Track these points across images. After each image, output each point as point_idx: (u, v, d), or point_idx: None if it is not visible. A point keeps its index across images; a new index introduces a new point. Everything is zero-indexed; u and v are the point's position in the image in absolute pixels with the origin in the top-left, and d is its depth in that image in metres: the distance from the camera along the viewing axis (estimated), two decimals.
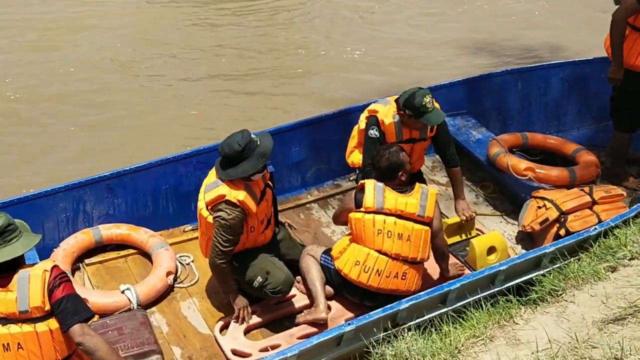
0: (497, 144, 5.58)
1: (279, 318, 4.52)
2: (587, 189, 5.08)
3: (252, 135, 4.27)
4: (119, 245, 5.07)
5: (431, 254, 4.46)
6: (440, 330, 3.93)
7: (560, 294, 3.98)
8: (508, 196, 5.62)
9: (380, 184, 4.34)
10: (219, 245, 4.22)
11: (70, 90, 8.27)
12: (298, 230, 5.34)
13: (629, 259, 4.14)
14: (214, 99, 8.16)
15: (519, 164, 5.34)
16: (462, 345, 3.72)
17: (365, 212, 4.28)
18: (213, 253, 4.25)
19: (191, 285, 4.83)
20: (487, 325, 3.86)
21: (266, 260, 4.42)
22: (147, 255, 4.98)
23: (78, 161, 6.97)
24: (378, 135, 4.83)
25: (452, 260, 4.67)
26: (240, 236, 4.30)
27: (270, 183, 4.61)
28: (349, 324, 3.79)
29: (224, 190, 4.20)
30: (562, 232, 4.84)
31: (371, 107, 4.95)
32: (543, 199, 5.05)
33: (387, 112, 4.85)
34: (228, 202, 4.18)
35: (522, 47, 9.59)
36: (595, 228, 4.43)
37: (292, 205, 5.59)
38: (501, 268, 4.17)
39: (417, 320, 4.03)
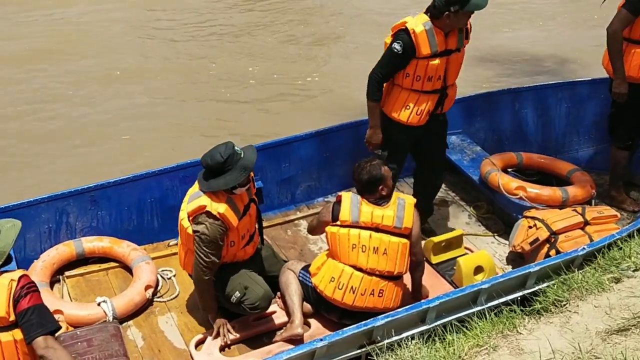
0: (489, 163, 5.47)
1: (258, 334, 4.41)
2: (579, 209, 4.96)
3: (236, 148, 4.19)
4: (101, 258, 5.01)
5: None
6: (444, 339, 3.89)
7: (564, 305, 3.94)
8: (500, 216, 5.50)
9: (357, 197, 4.24)
10: (201, 260, 4.13)
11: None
12: (284, 246, 5.25)
13: (633, 270, 4.11)
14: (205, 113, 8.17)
15: (510, 183, 5.22)
16: (466, 355, 3.69)
17: (341, 225, 4.18)
18: (197, 268, 4.15)
19: (171, 299, 4.75)
20: (490, 334, 3.83)
21: (245, 275, 4.33)
22: (128, 269, 4.91)
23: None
24: (401, 52, 4.60)
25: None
26: (222, 248, 4.21)
27: (255, 198, 4.52)
28: (321, 340, 3.67)
29: (205, 201, 4.12)
30: (553, 252, 4.71)
31: (399, 22, 4.71)
32: (534, 218, 4.93)
33: (416, 21, 4.62)
34: (208, 214, 4.10)
35: (530, 60, 9.56)
36: (584, 248, 4.30)
37: (280, 222, 5.51)
38: (483, 286, 4.05)
39: (394, 338, 3.90)
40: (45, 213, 4.93)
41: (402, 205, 4.23)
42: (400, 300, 4.26)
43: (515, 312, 3.99)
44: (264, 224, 5.41)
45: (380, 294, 4.16)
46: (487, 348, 3.69)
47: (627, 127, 5.43)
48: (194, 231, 4.14)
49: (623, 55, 5.16)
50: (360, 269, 4.14)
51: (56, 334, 3.83)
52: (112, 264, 4.99)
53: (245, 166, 4.14)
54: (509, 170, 5.69)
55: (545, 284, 4.13)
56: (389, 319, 3.82)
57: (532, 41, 9.89)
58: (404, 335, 3.94)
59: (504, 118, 6.20)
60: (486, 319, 3.97)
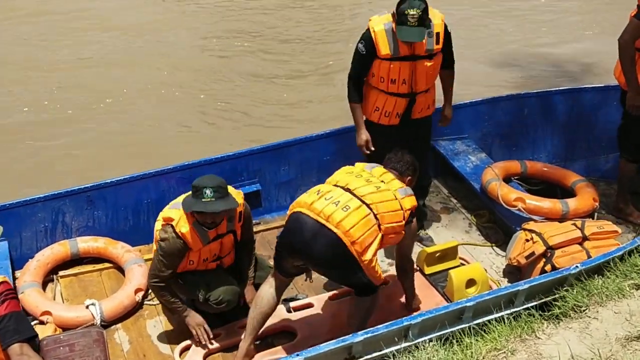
0: (491, 171, 5.36)
1: None
2: (579, 223, 4.83)
3: (221, 189, 4.03)
4: (96, 259, 5.03)
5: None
6: (462, 342, 3.84)
7: (584, 310, 3.88)
8: (501, 226, 5.39)
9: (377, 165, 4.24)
10: (155, 267, 4.16)
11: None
12: None
13: None
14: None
15: (510, 194, 5.11)
16: (484, 358, 3.65)
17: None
18: (150, 273, 4.20)
19: (160, 303, 4.73)
20: (508, 338, 3.77)
21: (208, 274, 4.33)
22: (122, 270, 4.92)
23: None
24: (364, 52, 4.58)
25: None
26: (179, 263, 4.21)
27: (237, 231, 4.36)
28: (297, 355, 3.64)
29: (175, 215, 4.12)
30: (548, 267, 4.60)
31: None
32: (531, 231, 4.82)
33: (379, 20, 4.56)
34: (173, 229, 4.09)
35: (552, 61, 9.39)
36: (577, 266, 4.18)
37: (277, 225, 5.46)
38: (468, 304, 3.96)
39: (375, 354, 3.85)
40: (41, 212, 4.97)
41: (410, 192, 4.11)
42: (361, 239, 3.82)
43: (534, 317, 3.95)
44: (261, 227, 5.43)
45: (345, 209, 3.82)
46: (505, 352, 3.64)
47: (637, 139, 5.27)
48: (158, 237, 4.17)
49: (636, 66, 5.00)
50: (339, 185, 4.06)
51: (41, 337, 3.92)
52: (107, 265, 5.02)
53: (205, 205, 3.98)
54: (513, 179, 5.57)
55: (520, 308, 4.03)
56: (368, 335, 3.76)
57: (571, 47, 9.76)
58: (386, 351, 3.88)
59: (512, 124, 6.07)
60: (504, 322, 3.92)
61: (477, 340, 3.81)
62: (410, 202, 4.05)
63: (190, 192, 4.16)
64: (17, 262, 4.91)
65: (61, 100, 8.28)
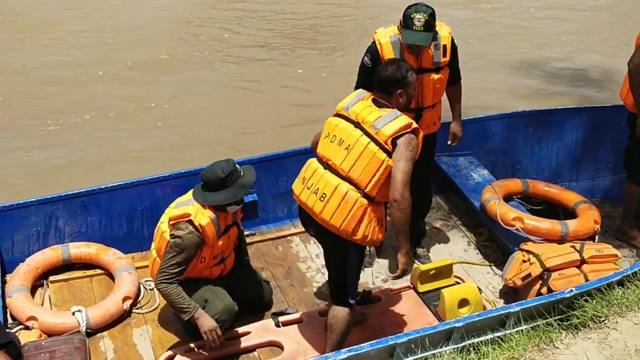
0: (491, 189, 5.26)
1: (230, 354, 4.33)
2: (578, 245, 4.72)
3: (237, 166, 4.22)
4: (88, 265, 4.99)
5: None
6: (479, 350, 3.80)
7: (603, 320, 3.83)
8: (500, 246, 5.29)
9: (364, 92, 3.95)
10: (167, 267, 4.08)
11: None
12: (272, 263, 5.16)
13: None
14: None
15: (508, 213, 5.00)
16: None
17: (334, 114, 3.94)
18: (159, 275, 4.09)
19: (149, 311, 4.70)
20: (526, 347, 3.73)
21: (207, 289, 4.28)
22: (113, 277, 4.87)
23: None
24: (370, 65, 4.47)
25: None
26: (192, 260, 4.16)
27: (239, 222, 4.46)
28: None
29: (192, 210, 4.13)
30: (544, 290, 4.49)
31: None
32: (529, 252, 4.72)
33: (384, 33, 4.50)
34: (190, 223, 4.09)
35: (573, 69, 9.30)
36: (571, 290, 4.07)
37: (272, 237, 5.41)
38: (456, 325, 3.86)
39: None
40: (34, 216, 4.94)
41: (396, 115, 3.76)
42: (343, 224, 3.73)
43: (552, 326, 3.88)
44: (257, 238, 5.38)
45: (323, 199, 3.76)
46: None
47: None
48: (172, 236, 4.12)
49: None
50: (320, 159, 3.91)
51: (22, 343, 3.89)
52: (98, 271, 4.97)
53: (244, 185, 4.20)
54: (514, 198, 5.46)
55: (512, 330, 3.92)
56: (352, 352, 3.67)
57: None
58: None
59: (516, 141, 5.97)
60: (522, 331, 3.86)
61: (494, 348, 3.78)
62: (390, 128, 3.68)
63: (192, 191, 4.24)
64: (9, 266, 4.89)
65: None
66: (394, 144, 3.67)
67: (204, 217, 4.10)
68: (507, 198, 5.38)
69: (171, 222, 4.18)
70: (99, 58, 9.36)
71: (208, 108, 8.32)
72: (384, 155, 3.67)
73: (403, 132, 3.69)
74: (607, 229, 5.56)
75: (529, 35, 10.48)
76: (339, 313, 4.03)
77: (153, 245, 4.40)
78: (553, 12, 11.31)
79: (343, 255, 3.91)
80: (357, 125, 3.79)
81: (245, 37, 10.13)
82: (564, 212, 5.39)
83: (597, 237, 5.04)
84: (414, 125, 3.76)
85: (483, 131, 5.91)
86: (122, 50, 9.58)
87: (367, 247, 4.13)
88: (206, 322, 4.11)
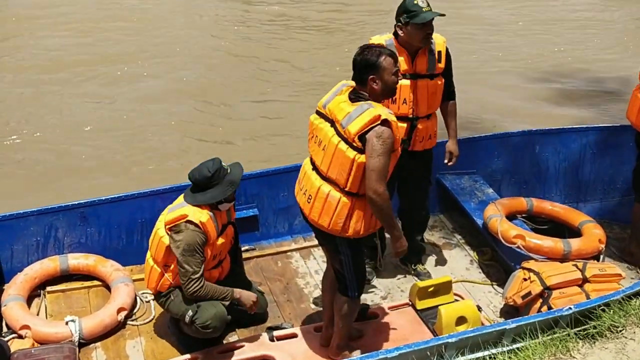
0: (493, 207, 5.18)
1: None
2: (580, 264, 4.62)
3: (223, 164, 4.27)
4: (86, 276, 4.98)
5: None
6: (494, 359, 3.76)
7: (620, 330, 3.79)
8: (502, 264, 5.19)
9: (344, 85, 3.80)
10: (190, 273, 4.09)
11: None
12: (270, 278, 5.11)
13: None
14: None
15: (509, 230, 4.92)
16: None
17: (316, 110, 3.88)
18: (188, 285, 4.11)
19: (144, 323, 4.67)
20: (542, 356, 3.70)
21: None
22: (110, 289, 4.86)
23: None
24: None
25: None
26: (205, 257, 4.17)
27: (234, 222, 4.48)
28: None
29: (188, 210, 4.16)
30: (545, 309, 4.39)
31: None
32: (530, 270, 4.63)
33: (380, 37, 4.49)
34: (189, 222, 4.11)
35: (592, 78, 9.23)
36: (570, 308, 3.98)
37: (272, 252, 5.36)
38: (450, 340, 3.78)
39: None
40: (34, 226, 4.94)
41: (362, 110, 3.57)
42: (331, 223, 3.73)
43: (569, 335, 3.81)
44: (256, 253, 5.34)
45: (309, 200, 3.80)
46: None
47: None
48: (173, 240, 4.11)
49: None
50: (310, 159, 3.89)
51: (12, 350, 3.87)
52: (95, 283, 4.96)
53: (232, 181, 4.24)
54: (518, 216, 5.38)
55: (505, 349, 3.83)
56: None
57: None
58: None
59: (522, 161, 5.89)
60: (538, 339, 3.80)
61: (509, 357, 3.73)
62: (356, 125, 3.54)
63: (183, 195, 4.28)
64: (7, 275, 4.89)
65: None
66: (362, 140, 3.54)
67: (202, 214, 4.14)
68: (511, 216, 5.30)
69: (168, 227, 4.16)
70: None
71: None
72: (354, 153, 3.57)
73: (370, 126, 3.52)
74: (616, 250, 5.45)
75: (555, 36, 10.51)
76: (339, 300, 4.08)
77: (149, 254, 4.38)
78: (576, 23, 11.33)
79: (335, 251, 3.92)
80: (332, 123, 3.72)
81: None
82: (570, 232, 5.29)
83: (601, 256, 4.93)
84: (384, 116, 3.54)
85: (488, 150, 5.84)
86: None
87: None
88: (248, 298, 4.33)
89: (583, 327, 3.87)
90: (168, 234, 4.18)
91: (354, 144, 3.57)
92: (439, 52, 4.50)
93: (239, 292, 4.29)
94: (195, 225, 4.10)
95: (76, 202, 5.03)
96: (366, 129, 3.53)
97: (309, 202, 3.85)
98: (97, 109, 8.61)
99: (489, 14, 11.72)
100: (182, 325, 4.30)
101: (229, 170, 4.26)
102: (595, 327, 3.77)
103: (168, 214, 4.23)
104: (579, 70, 9.74)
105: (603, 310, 3.97)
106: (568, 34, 10.96)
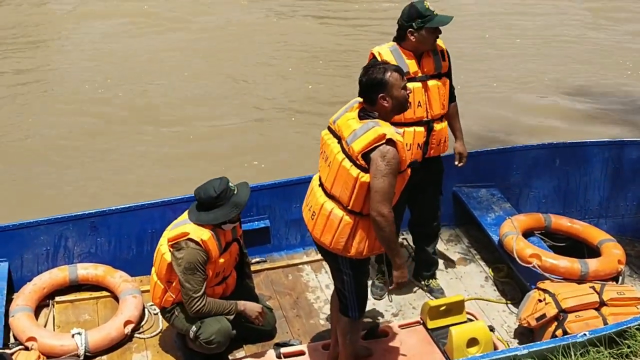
0: (510, 224, 5.06)
1: None
2: (598, 286, 4.48)
3: (230, 184, 4.22)
4: (95, 286, 4.95)
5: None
6: None
7: None
8: (518, 283, 5.06)
9: (356, 101, 3.72)
10: (192, 291, 4.09)
11: None
12: (280, 292, 5.04)
13: None
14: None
15: (525, 249, 4.79)
16: None
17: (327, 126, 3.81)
18: (191, 304, 4.10)
19: (151, 337, 4.63)
20: None
21: None
22: (118, 300, 4.82)
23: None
24: None
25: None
26: (207, 276, 4.14)
27: (240, 240, 4.43)
28: None
29: (189, 228, 4.14)
30: (560, 332, 4.27)
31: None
32: (545, 291, 4.50)
33: (382, 46, 4.45)
34: (190, 240, 4.08)
35: (624, 94, 9.14)
36: (585, 334, 3.86)
37: (283, 265, 5.29)
38: None
39: None
40: (44, 235, 4.93)
41: (367, 128, 3.49)
42: (333, 242, 3.67)
43: (602, 354, 3.73)
44: (267, 265, 5.27)
45: (313, 217, 3.76)
46: None
47: None
48: (175, 258, 4.11)
49: None
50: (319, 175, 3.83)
51: None
52: (104, 294, 4.93)
53: (237, 203, 4.18)
54: (535, 233, 5.25)
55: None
56: None
57: None
58: None
59: (542, 174, 5.74)
60: (572, 358, 3.73)
61: None
62: (359, 143, 3.46)
63: (188, 211, 4.26)
64: (17, 284, 4.88)
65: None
66: (366, 159, 3.46)
67: (204, 232, 4.11)
68: (528, 233, 5.17)
69: (170, 243, 4.16)
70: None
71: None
72: (357, 171, 3.49)
73: (374, 145, 3.43)
74: (638, 269, 5.30)
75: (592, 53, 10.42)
76: (341, 320, 4.00)
77: (153, 270, 4.35)
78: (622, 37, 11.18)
79: (338, 270, 3.86)
80: (339, 140, 3.65)
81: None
82: (589, 250, 5.14)
83: (620, 277, 4.78)
84: (389, 135, 3.45)
85: (507, 163, 5.70)
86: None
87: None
88: (250, 308, 4.28)
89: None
90: (170, 250, 4.15)
91: (358, 162, 3.49)
92: (442, 52, 4.49)
93: (243, 305, 4.27)
94: (196, 243, 4.07)
95: (86, 212, 5.01)
96: (370, 148, 3.45)
97: (312, 219, 3.80)
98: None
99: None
100: (187, 340, 4.26)
101: (235, 191, 4.20)
102: (629, 347, 3.69)
103: (170, 231, 4.21)
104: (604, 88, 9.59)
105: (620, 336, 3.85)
106: (590, 53, 10.77)
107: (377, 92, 3.55)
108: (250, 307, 4.29)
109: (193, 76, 9.52)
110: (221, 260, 4.20)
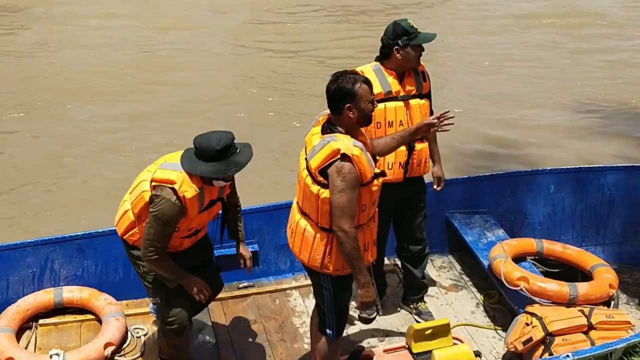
0: (500, 248, 4.97)
1: None
2: (587, 310, 4.36)
3: (235, 140, 3.85)
4: (80, 309, 4.92)
5: None
6: None
7: None
8: (509, 308, 4.95)
9: (321, 114, 3.70)
10: (154, 240, 3.80)
11: None
12: (266, 316, 4.97)
13: None
14: None
15: (513, 272, 4.69)
16: None
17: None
18: (148, 250, 3.82)
19: (131, 359, 4.56)
20: None
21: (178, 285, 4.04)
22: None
23: None
24: None
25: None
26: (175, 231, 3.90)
27: (225, 199, 4.14)
28: None
29: (178, 178, 3.77)
30: (546, 356, 4.15)
31: None
32: (533, 315, 4.39)
33: (366, 66, 4.42)
34: (174, 191, 3.75)
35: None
36: (567, 355, 3.74)
37: (271, 290, 5.23)
38: None
39: None
40: (30, 257, 4.91)
41: (324, 143, 3.47)
42: (310, 259, 3.68)
43: None
44: (254, 290, 5.22)
45: (292, 234, 3.80)
46: None
47: None
48: (151, 201, 3.81)
49: None
50: None
51: None
52: (88, 316, 4.89)
53: (237, 163, 3.81)
54: (527, 258, 5.15)
55: None
56: None
57: None
58: None
59: (537, 201, 5.66)
60: None
61: None
62: (316, 159, 3.47)
63: (181, 156, 3.87)
64: (2, 306, 4.84)
65: None
66: (324, 174, 3.46)
67: (189, 189, 3.78)
68: (520, 259, 5.07)
69: (153, 184, 3.86)
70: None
71: None
72: (317, 187, 3.51)
73: (330, 161, 3.42)
74: (634, 297, 5.17)
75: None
76: (317, 338, 3.96)
77: (127, 196, 4.12)
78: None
79: (319, 285, 3.82)
80: (306, 156, 3.66)
81: None
82: (583, 276, 5.03)
83: (613, 302, 4.66)
84: (344, 150, 3.41)
85: (501, 188, 5.63)
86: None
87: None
88: (194, 283, 4.00)
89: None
90: (151, 190, 3.88)
91: (317, 179, 3.49)
92: (422, 72, 4.50)
93: (190, 278, 3.98)
94: (178, 197, 3.75)
95: (73, 234, 5.00)
96: (326, 164, 3.44)
97: (291, 237, 3.81)
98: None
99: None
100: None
101: (238, 150, 3.84)
102: None
103: (158, 170, 3.87)
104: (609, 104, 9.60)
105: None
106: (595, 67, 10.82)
107: (344, 102, 3.50)
108: (195, 284, 3.99)
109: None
110: (198, 218, 3.96)
